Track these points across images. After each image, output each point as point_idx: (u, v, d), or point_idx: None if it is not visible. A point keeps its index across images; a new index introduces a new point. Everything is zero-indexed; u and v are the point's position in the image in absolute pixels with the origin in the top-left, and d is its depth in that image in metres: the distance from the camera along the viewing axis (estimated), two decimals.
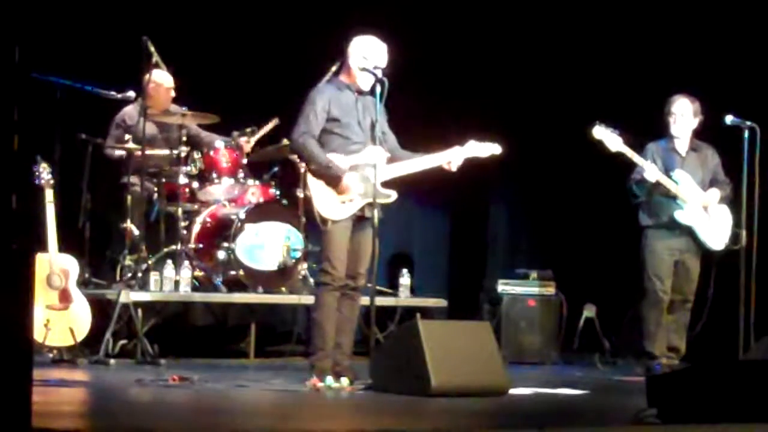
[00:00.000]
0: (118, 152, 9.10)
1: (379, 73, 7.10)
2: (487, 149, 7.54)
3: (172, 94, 9.31)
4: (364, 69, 7.19)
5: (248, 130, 9.31)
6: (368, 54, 7.22)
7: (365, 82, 7.25)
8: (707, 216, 8.61)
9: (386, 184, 7.20)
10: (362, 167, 7.16)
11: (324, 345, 7.16)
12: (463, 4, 10.58)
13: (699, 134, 8.78)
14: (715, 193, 8.65)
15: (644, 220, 8.66)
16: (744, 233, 8.43)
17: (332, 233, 7.13)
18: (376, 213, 7.09)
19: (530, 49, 10.66)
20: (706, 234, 8.59)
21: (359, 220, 7.21)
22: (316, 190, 7.14)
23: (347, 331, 7.27)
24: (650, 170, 8.43)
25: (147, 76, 9.03)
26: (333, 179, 7.10)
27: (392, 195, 7.21)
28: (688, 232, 8.60)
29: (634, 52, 10.29)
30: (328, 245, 7.17)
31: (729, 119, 8.53)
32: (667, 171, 8.55)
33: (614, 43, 10.36)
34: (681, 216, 8.54)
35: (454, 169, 7.42)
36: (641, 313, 8.60)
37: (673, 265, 8.61)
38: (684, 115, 8.64)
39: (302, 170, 7.43)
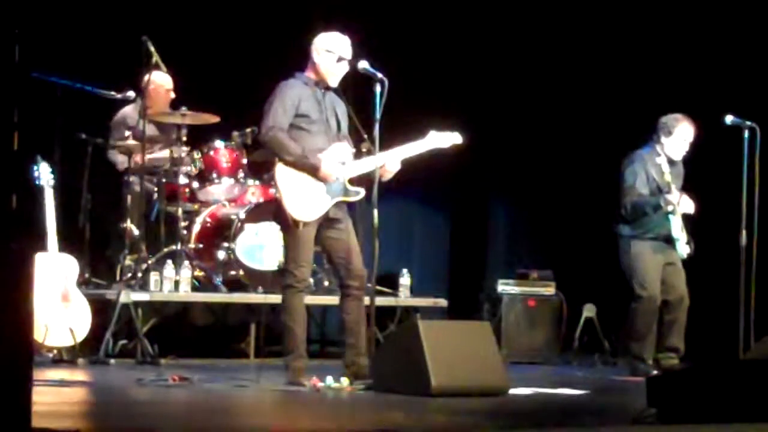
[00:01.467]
0: (121, 158, 9.12)
1: (379, 74, 7.07)
2: (447, 139, 7.43)
3: (172, 95, 9.31)
4: (364, 70, 7.14)
5: (248, 130, 9.30)
6: (332, 47, 7.17)
7: (334, 77, 7.19)
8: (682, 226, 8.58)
9: (356, 181, 7.15)
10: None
11: (295, 346, 7.14)
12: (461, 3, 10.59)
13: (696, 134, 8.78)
14: (689, 203, 8.55)
15: (626, 230, 8.55)
16: (744, 233, 8.42)
17: (301, 235, 7.07)
18: (375, 213, 7.05)
19: (528, 49, 10.66)
20: (680, 243, 8.56)
21: (329, 221, 7.16)
22: (286, 190, 7.09)
23: (358, 332, 7.19)
24: (675, 195, 8.37)
25: (146, 78, 9.04)
26: (311, 168, 7.06)
27: (360, 192, 7.15)
28: (670, 242, 8.56)
29: (633, 51, 10.29)
30: (295, 247, 7.11)
31: (729, 119, 8.52)
32: (658, 185, 8.47)
33: (613, 43, 10.35)
34: (675, 231, 8.49)
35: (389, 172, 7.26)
36: (632, 317, 8.54)
37: (662, 268, 8.57)
38: (690, 141, 8.55)
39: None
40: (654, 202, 8.42)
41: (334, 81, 7.22)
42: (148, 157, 8.86)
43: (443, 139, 7.43)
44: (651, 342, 8.55)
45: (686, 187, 8.58)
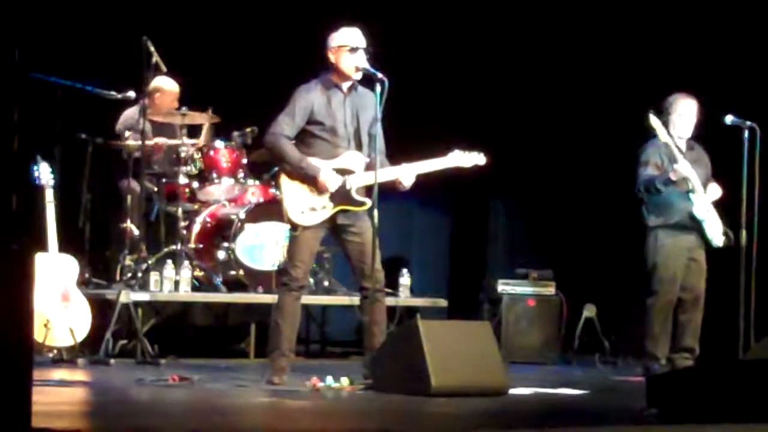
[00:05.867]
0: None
1: (379, 74, 7.05)
2: (470, 159, 7.43)
3: (176, 103, 9.31)
4: (364, 69, 7.12)
5: (248, 130, 9.30)
6: (343, 41, 7.13)
7: (354, 70, 7.11)
8: (711, 212, 8.59)
9: (368, 190, 7.12)
10: (339, 173, 7.11)
11: (279, 345, 7.15)
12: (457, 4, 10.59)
13: (698, 133, 8.77)
14: (716, 189, 8.61)
15: (653, 220, 8.54)
16: (744, 233, 8.41)
17: (300, 238, 7.11)
18: (375, 213, 7.05)
19: (526, 49, 10.65)
20: (711, 230, 8.55)
21: (340, 227, 7.15)
22: (288, 194, 7.10)
23: (377, 334, 7.16)
24: (684, 165, 8.36)
25: (153, 85, 9.06)
26: (309, 179, 7.06)
27: (367, 203, 7.11)
28: (697, 229, 8.55)
29: (633, 52, 10.29)
30: (293, 248, 7.16)
31: (729, 119, 8.51)
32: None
33: (613, 44, 10.35)
34: (697, 211, 8.47)
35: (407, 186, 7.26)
36: (648, 314, 8.50)
37: (684, 266, 8.55)
38: (691, 115, 8.59)
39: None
40: (663, 176, 8.41)
41: (356, 74, 7.15)
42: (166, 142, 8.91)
43: (466, 159, 7.40)
44: (665, 340, 8.52)
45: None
